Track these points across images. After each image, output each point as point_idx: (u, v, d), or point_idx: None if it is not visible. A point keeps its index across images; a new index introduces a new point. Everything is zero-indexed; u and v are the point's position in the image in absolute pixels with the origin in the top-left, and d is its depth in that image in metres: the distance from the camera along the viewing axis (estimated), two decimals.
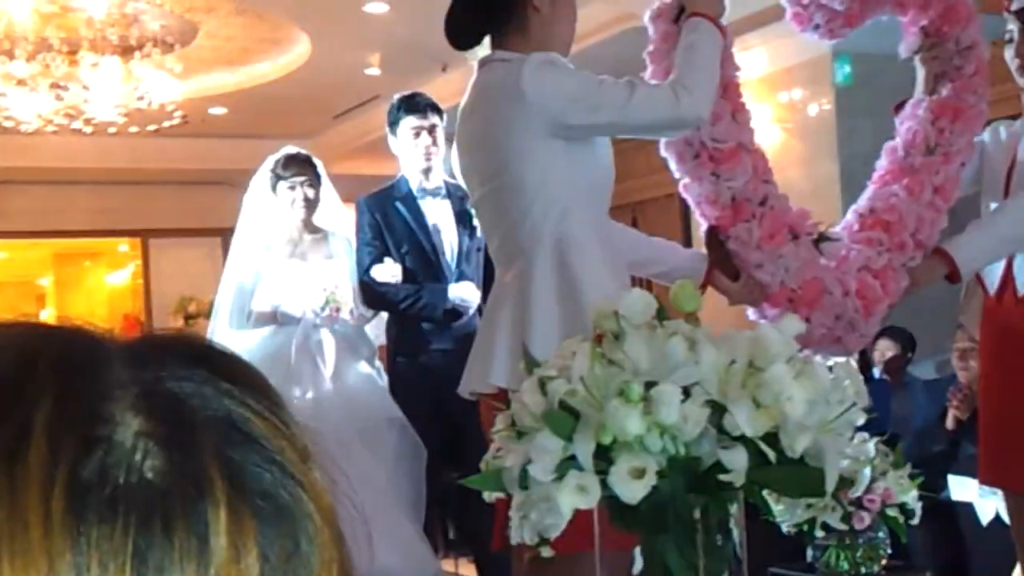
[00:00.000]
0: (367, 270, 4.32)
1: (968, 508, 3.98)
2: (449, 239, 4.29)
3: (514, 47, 2.47)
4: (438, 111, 4.31)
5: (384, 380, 4.47)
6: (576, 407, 1.48)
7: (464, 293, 4.24)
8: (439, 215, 4.29)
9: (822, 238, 2.67)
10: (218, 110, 9.13)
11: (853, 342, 2.68)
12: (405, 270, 4.25)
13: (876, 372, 5.89)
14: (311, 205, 4.45)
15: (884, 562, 3.60)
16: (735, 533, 1.61)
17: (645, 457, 1.46)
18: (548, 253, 2.39)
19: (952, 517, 4.13)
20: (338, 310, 4.31)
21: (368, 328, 4.56)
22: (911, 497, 3.54)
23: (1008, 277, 2.81)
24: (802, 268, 2.63)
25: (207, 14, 7.33)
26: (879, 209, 2.78)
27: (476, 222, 3.82)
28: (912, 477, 3.59)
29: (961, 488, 3.92)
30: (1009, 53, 2.83)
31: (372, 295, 4.34)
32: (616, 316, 1.55)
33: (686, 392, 1.49)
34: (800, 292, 2.62)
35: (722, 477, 1.48)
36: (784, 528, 3.58)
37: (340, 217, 4.64)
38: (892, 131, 6.17)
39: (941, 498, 4.09)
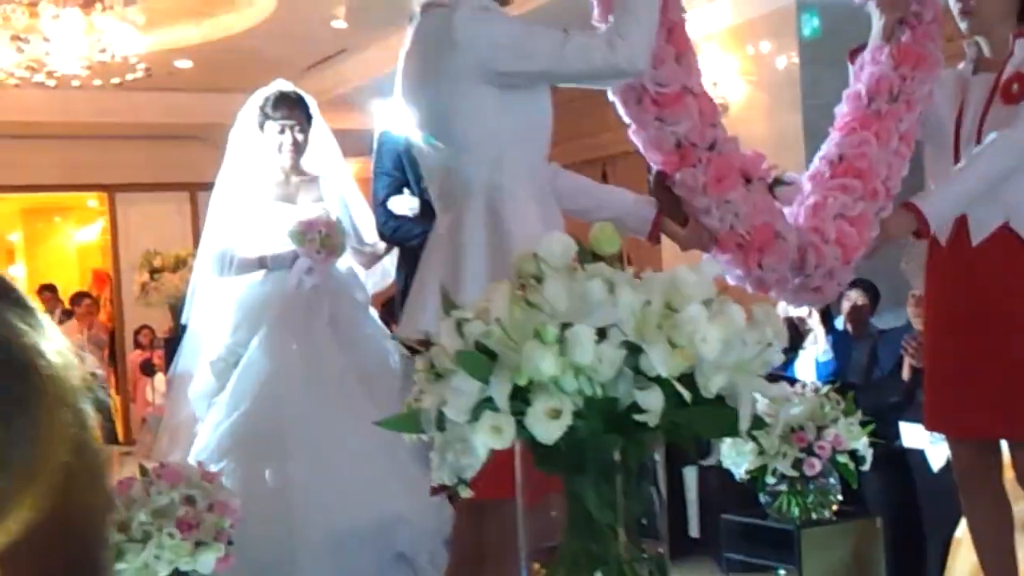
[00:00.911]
0: (384, 201, 4.15)
1: (919, 455, 4.02)
2: None
3: None
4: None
5: (381, 327, 4.33)
6: (493, 348, 1.49)
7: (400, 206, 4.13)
8: None
9: (777, 182, 2.65)
10: (184, 63, 9.04)
11: (831, 291, 2.68)
12: (423, 204, 3.98)
13: (839, 323, 5.93)
14: (299, 149, 4.22)
15: (835, 508, 3.66)
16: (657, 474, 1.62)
17: (561, 398, 1.47)
18: (480, 203, 2.39)
19: (904, 464, 4.17)
20: (331, 253, 4.07)
21: (365, 274, 4.37)
22: (862, 444, 3.60)
23: (962, 227, 2.82)
24: (752, 213, 2.62)
25: None
26: (849, 156, 2.78)
27: None
28: (863, 424, 3.64)
29: (913, 435, 3.96)
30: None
31: (386, 227, 4.16)
32: (536, 259, 1.55)
33: (603, 333, 1.49)
34: (750, 237, 2.60)
35: (638, 417, 1.49)
36: (737, 475, 3.64)
37: (333, 159, 4.41)
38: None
39: (894, 445, 4.13)
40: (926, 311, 3.00)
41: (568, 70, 2.39)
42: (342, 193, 4.31)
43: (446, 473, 1.52)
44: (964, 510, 2.97)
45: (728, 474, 3.68)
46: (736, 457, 3.54)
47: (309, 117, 4.26)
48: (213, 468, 3.65)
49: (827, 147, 2.84)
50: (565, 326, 1.48)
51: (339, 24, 8.04)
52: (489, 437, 1.45)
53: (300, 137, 4.19)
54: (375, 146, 4.34)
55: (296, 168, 4.24)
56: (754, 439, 3.35)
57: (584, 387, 1.48)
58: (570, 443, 1.51)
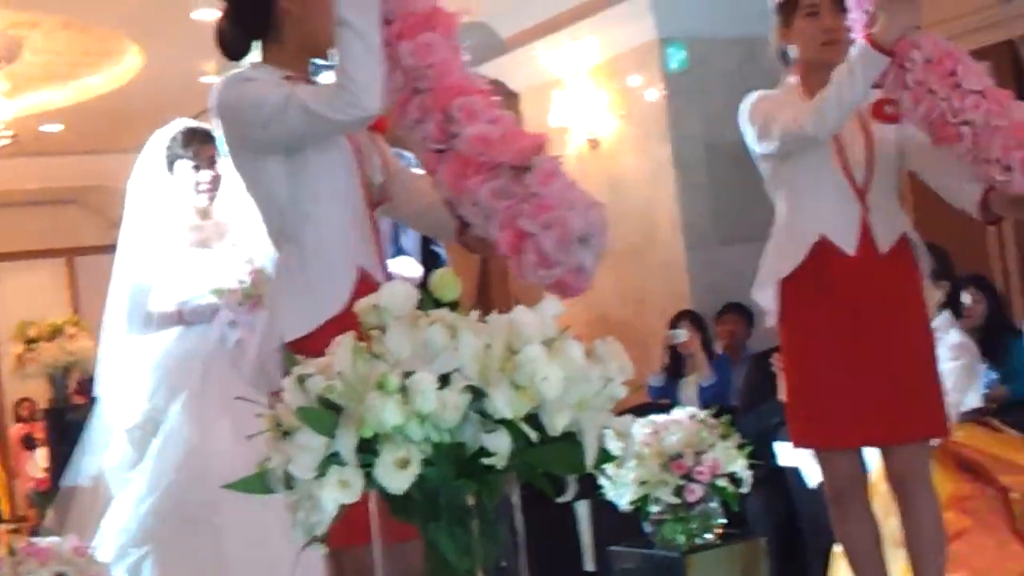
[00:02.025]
0: None
1: (796, 472, 4.11)
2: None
3: (273, 52, 2.47)
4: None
5: None
6: (337, 402, 1.49)
7: (403, 269, 3.78)
8: None
9: (526, 168, 2.34)
10: (53, 127, 8.89)
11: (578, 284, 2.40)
12: None
13: (718, 348, 6.04)
14: (216, 186, 3.85)
15: (719, 531, 3.72)
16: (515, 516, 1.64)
17: (408, 447, 1.47)
18: (281, 264, 2.44)
19: (782, 482, 4.26)
20: (256, 304, 3.57)
21: None
22: (740, 467, 3.66)
23: (866, 237, 2.90)
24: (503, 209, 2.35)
25: (32, 29, 7.13)
26: None
27: None
28: (741, 447, 3.71)
29: (789, 453, 4.04)
30: (812, 27, 2.92)
31: None
32: (377, 309, 1.56)
33: (446, 379, 1.51)
34: (505, 236, 2.38)
35: (487, 461, 1.51)
36: (620, 506, 3.67)
37: (240, 199, 3.88)
38: (720, 113, 6.31)
39: (774, 465, 4.21)
40: (806, 324, 2.99)
41: (305, 130, 2.32)
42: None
43: (300, 531, 1.52)
44: (836, 525, 3.03)
45: (612, 506, 3.71)
46: (617, 489, 3.57)
47: (220, 152, 3.74)
48: (135, 551, 3.48)
49: None
50: (408, 374, 1.49)
51: (209, 79, 7.99)
52: (337, 492, 1.45)
53: (215, 174, 3.85)
54: None
55: (211, 209, 3.92)
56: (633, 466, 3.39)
57: (431, 434, 1.49)
58: (422, 491, 1.52)
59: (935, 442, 3.42)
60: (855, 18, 2.85)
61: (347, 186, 2.46)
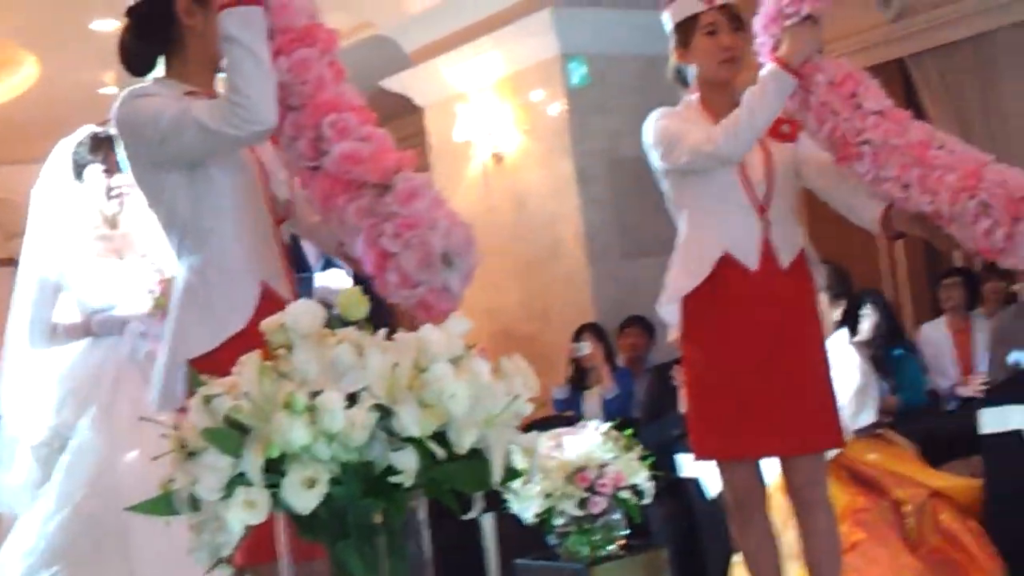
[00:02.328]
0: None
1: (697, 483, 4.18)
2: None
3: (176, 67, 2.46)
4: None
5: None
6: (244, 422, 1.49)
7: (333, 283, 3.67)
8: None
9: (388, 187, 2.33)
10: None
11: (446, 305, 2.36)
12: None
13: (621, 360, 6.10)
14: (128, 191, 3.66)
15: (622, 542, 3.76)
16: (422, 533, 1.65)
17: (315, 466, 1.48)
18: (183, 280, 2.42)
19: (683, 493, 4.32)
20: (167, 314, 3.50)
21: None
22: (642, 478, 3.71)
23: (767, 252, 2.96)
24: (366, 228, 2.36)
25: None
26: None
27: None
28: (642, 459, 3.76)
29: (689, 465, 4.11)
30: (711, 45, 2.97)
31: None
32: (284, 328, 1.56)
33: (354, 398, 1.51)
34: (369, 255, 2.38)
35: (394, 479, 1.52)
36: (525, 520, 3.69)
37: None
38: (622, 128, 6.39)
39: (675, 477, 4.28)
40: (708, 338, 3.04)
41: (204, 146, 2.31)
42: None
43: (205, 553, 1.51)
44: (737, 535, 3.09)
45: (517, 520, 3.73)
46: (522, 502, 3.59)
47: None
48: (45, 571, 3.35)
49: None
50: (315, 394, 1.49)
51: (108, 90, 7.85)
52: (243, 512, 1.45)
53: (127, 180, 3.57)
54: None
55: (119, 219, 3.75)
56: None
57: (338, 453, 1.50)
58: (329, 509, 1.53)
59: (831, 455, 3.50)
60: (762, 42, 2.92)
61: (251, 201, 2.45)
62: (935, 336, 5.78)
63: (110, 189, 3.72)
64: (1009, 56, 6.79)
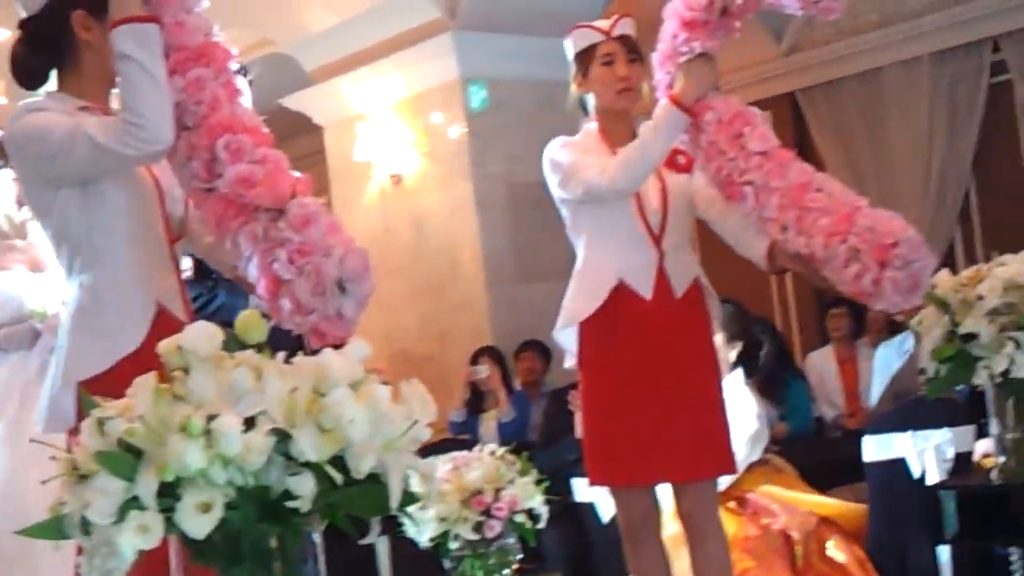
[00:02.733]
0: None
1: (591, 508, 4.21)
2: None
3: (71, 81, 2.40)
4: (245, 72, 3.56)
5: None
6: (138, 445, 1.47)
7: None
8: None
9: (281, 212, 2.30)
10: None
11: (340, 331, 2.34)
12: (196, 264, 3.39)
13: (517, 384, 6.13)
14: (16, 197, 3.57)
15: (516, 567, 3.76)
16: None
17: (211, 491, 1.46)
18: (75, 300, 2.37)
19: (577, 517, 4.35)
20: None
21: None
22: (537, 502, 3.72)
23: (661, 281, 3.00)
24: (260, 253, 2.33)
25: None
26: None
27: None
28: (538, 483, 3.77)
29: (584, 489, 4.14)
30: (608, 75, 3.01)
31: None
32: (181, 350, 1.54)
33: (251, 422, 1.50)
34: (262, 280, 2.35)
35: (291, 504, 1.50)
36: (420, 543, 3.67)
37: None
38: (521, 153, 6.43)
39: (570, 501, 4.30)
40: (604, 365, 3.07)
41: (95, 167, 2.27)
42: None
43: None
44: (629, 560, 3.13)
45: (413, 543, 3.70)
46: (417, 526, 3.57)
47: None
48: None
49: None
50: (212, 417, 1.47)
51: None
52: (136, 537, 1.42)
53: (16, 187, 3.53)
54: None
55: (27, 228, 3.63)
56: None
57: (234, 477, 1.48)
58: (224, 534, 1.51)
59: (723, 484, 3.56)
60: (659, 78, 2.97)
61: (146, 220, 2.41)
62: (821, 365, 5.93)
63: (20, 195, 3.56)
64: (896, 93, 7.02)
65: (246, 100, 3.43)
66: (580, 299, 3.06)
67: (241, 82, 3.41)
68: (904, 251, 2.65)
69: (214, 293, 3.61)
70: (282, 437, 1.50)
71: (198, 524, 1.44)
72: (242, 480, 1.48)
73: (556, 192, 3.07)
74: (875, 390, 5.38)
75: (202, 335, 1.54)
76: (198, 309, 3.39)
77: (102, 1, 2.28)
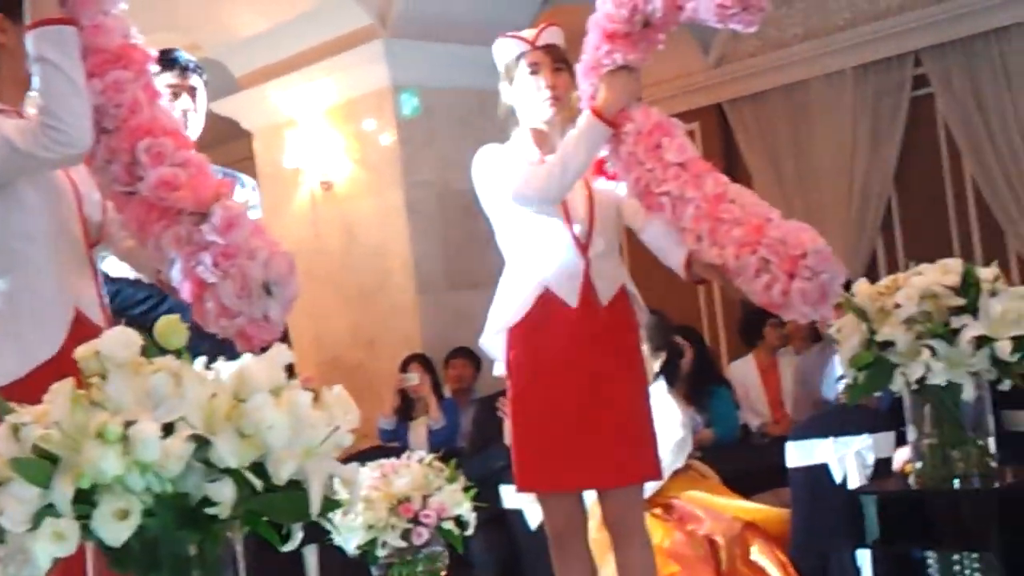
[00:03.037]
0: None
1: (519, 515, 4.22)
2: None
3: None
4: (200, 71, 3.54)
5: None
6: (54, 452, 1.45)
7: None
8: None
9: (205, 215, 2.28)
10: None
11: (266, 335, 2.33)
12: None
13: (447, 391, 6.13)
14: None
15: (445, 573, 3.76)
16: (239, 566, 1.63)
17: (128, 497, 1.45)
18: None
19: (505, 524, 4.36)
20: None
21: None
22: (465, 509, 3.72)
23: (587, 289, 3.01)
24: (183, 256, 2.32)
25: None
26: None
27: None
28: (466, 490, 3.77)
29: (513, 496, 4.15)
30: (533, 84, 3.03)
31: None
32: (98, 356, 1.53)
33: (170, 428, 1.49)
34: (186, 284, 2.35)
35: (210, 510, 1.50)
36: (348, 551, 3.66)
37: None
38: (452, 160, 6.44)
39: (498, 508, 4.30)
40: (531, 372, 3.08)
41: (3, 165, 2.23)
42: None
43: None
44: (556, 565, 3.14)
45: (341, 551, 3.69)
46: (345, 533, 3.56)
47: None
48: None
49: None
50: (129, 423, 1.46)
51: None
52: (51, 545, 1.40)
53: None
54: None
55: None
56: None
57: (152, 484, 1.47)
58: (142, 541, 1.49)
59: (649, 490, 3.59)
60: (584, 89, 3.00)
61: (63, 223, 2.38)
62: (744, 373, 5.99)
63: None
64: (821, 105, 7.14)
65: (201, 100, 3.45)
66: (507, 306, 3.07)
67: (196, 80, 3.43)
68: (812, 262, 2.70)
69: (163, 296, 3.54)
70: (201, 443, 1.49)
71: (115, 531, 1.43)
72: (160, 487, 1.47)
73: (485, 200, 3.09)
74: (791, 398, 5.48)
75: (120, 340, 1.53)
76: (146, 311, 3.35)
77: (17, 2, 2.25)
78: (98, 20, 2.27)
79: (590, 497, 3.23)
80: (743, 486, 4.37)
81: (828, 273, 2.71)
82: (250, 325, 2.25)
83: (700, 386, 5.17)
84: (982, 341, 2.67)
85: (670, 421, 4.15)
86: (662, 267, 3.16)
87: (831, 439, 4.15)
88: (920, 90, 6.81)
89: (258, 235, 2.28)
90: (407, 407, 6.03)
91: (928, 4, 6.63)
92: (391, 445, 5.54)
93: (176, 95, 3.36)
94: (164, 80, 3.30)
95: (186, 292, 2.29)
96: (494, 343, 3.11)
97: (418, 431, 5.94)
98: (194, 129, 3.39)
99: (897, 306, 2.74)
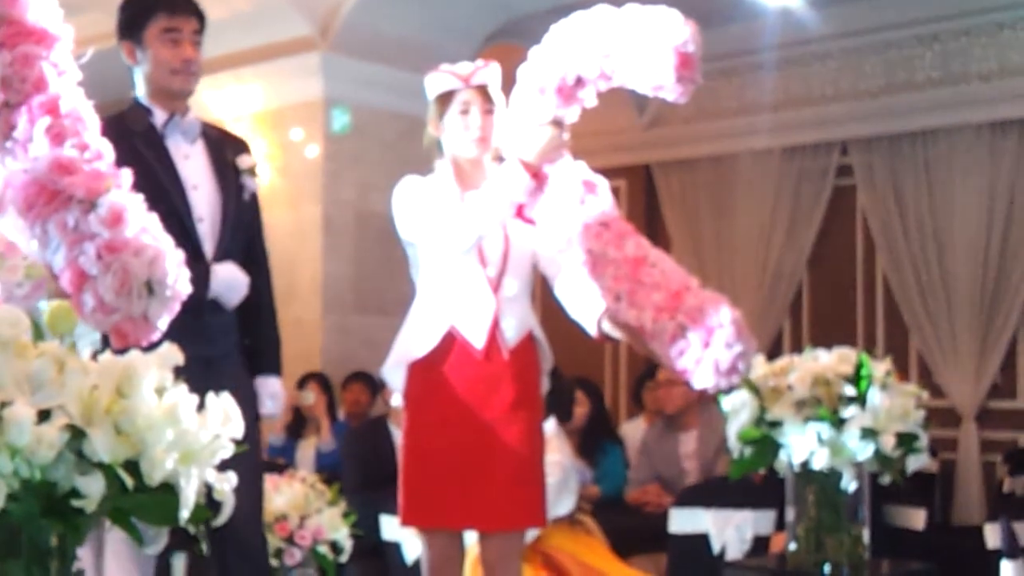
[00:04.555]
0: None
1: (396, 547, 4.18)
2: (209, 198, 3.07)
3: None
4: (201, 16, 3.16)
5: None
6: None
7: (228, 277, 3.04)
8: (194, 164, 3.10)
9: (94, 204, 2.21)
10: None
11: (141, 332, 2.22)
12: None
13: (341, 414, 6.07)
14: None
15: None
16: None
17: None
18: None
19: (382, 556, 4.31)
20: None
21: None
22: (342, 535, 3.68)
23: (495, 330, 3.01)
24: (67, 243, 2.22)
25: None
26: None
27: (247, 179, 3.16)
28: (346, 516, 3.74)
29: (393, 528, 4.11)
30: (463, 123, 3.03)
31: None
32: None
33: (46, 415, 1.45)
34: (67, 272, 2.25)
35: (76, 503, 1.46)
36: None
37: None
38: (374, 183, 6.40)
39: (376, 538, 4.26)
40: (427, 407, 3.07)
41: None
42: None
43: None
44: None
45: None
46: None
47: None
48: None
49: None
50: (5, 404, 1.42)
51: None
52: None
53: None
54: None
55: None
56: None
57: (21, 469, 1.43)
58: (3, 527, 1.45)
59: (530, 537, 3.58)
60: (510, 136, 3.01)
61: None
62: (634, 434, 6.02)
63: None
64: (745, 180, 7.25)
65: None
66: (412, 340, 3.06)
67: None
68: (727, 334, 2.74)
69: None
70: (76, 434, 1.46)
71: None
72: (28, 473, 1.43)
73: (401, 230, 3.08)
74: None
75: (7, 319, 1.49)
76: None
77: None
78: None
79: (471, 536, 3.21)
80: (624, 545, 4.38)
81: (741, 346, 2.75)
82: (126, 322, 2.19)
83: (592, 441, 5.19)
84: (867, 433, 2.72)
85: (553, 460, 4.14)
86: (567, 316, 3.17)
87: (713, 510, 4.19)
88: (843, 179, 6.96)
89: (145, 232, 2.23)
90: (298, 425, 5.96)
91: (861, 97, 6.79)
92: (277, 461, 5.47)
93: (175, 43, 3.09)
94: (159, 24, 3.07)
95: (65, 280, 2.22)
96: (394, 375, 3.09)
97: (306, 450, 5.86)
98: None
99: (789, 387, 2.78)
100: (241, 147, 3.18)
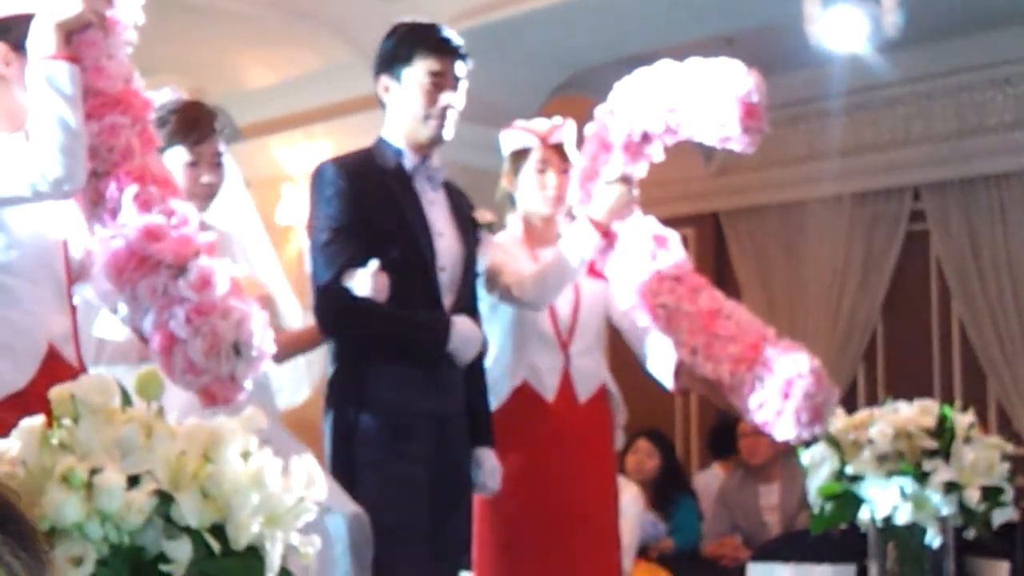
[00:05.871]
0: (337, 275, 2.76)
1: None
2: (451, 248, 2.91)
3: None
4: (464, 58, 3.02)
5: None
6: (16, 490, 1.43)
7: (466, 331, 2.85)
8: (439, 212, 2.93)
9: (183, 270, 2.27)
10: None
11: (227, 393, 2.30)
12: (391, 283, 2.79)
13: None
14: None
15: None
16: None
17: (84, 544, 1.43)
18: None
19: None
20: None
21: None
22: None
23: (567, 385, 3.01)
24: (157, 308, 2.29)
25: None
26: None
27: (484, 234, 3.01)
28: None
29: None
30: (538, 181, 3.06)
31: (342, 313, 2.80)
32: (73, 399, 1.52)
33: (135, 480, 1.47)
34: (156, 335, 2.31)
35: (164, 567, 1.47)
36: None
37: None
38: None
39: None
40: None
41: None
42: None
43: None
44: None
45: None
46: None
47: None
48: None
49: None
50: (95, 471, 1.44)
51: None
52: None
53: None
54: (314, 186, 3.14)
55: None
56: None
57: (110, 534, 1.45)
58: None
59: None
60: (580, 195, 3.03)
61: (44, 258, 2.36)
62: (707, 484, 5.96)
63: None
64: (815, 227, 7.19)
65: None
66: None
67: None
68: (808, 384, 2.71)
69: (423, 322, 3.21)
70: (164, 499, 1.47)
71: None
72: (117, 538, 1.45)
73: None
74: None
75: (97, 386, 1.52)
76: (403, 336, 2.95)
77: (23, 36, 2.26)
78: (102, 63, 2.28)
79: None
80: None
81: (822, 395, 2.73)
82: (214, 383, 2.24)
83: (665, 493, 5.14)
84: (951, 487, 2.67)
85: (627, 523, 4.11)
86: (638, 367, 3.16)
87: (792, 564, 4.12)
88: (917, 224, 6.87)
89: (234, 295, 2.27)
90: None
91: (933, 141, 6.72)
92: None
93: (438, 87, 2.94)
94: (427, 66, 2.90)
95: (155, 344, 2.27)
96: None
97: None
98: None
99: (870, 441, 2.74)
100: (468, 201, 3.05)
